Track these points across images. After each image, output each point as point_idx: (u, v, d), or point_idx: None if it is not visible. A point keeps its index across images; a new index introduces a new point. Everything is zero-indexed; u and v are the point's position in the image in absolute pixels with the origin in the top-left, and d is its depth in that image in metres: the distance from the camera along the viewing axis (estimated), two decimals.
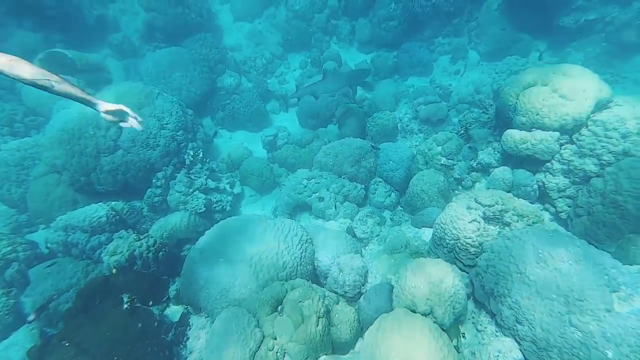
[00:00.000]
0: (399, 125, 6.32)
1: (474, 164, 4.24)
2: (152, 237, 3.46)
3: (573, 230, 3.27)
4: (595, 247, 2.97)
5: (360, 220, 4.24)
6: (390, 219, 4.71)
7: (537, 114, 3.26)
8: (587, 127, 3.15)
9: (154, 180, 4.93)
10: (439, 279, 2.53)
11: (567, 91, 3.09)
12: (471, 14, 8.15)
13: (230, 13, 9.33)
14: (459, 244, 2.96)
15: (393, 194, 5.04)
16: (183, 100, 6.78)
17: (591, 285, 2.19)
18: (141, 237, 3.38)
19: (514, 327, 2.37)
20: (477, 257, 2.89)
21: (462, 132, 4.57)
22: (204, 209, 4.91)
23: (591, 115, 3.15)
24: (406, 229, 4.04)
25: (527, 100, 3.28)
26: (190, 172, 5.18)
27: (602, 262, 2.29)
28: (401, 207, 4.91)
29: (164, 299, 3.25)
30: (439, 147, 4.58)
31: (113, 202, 4.56)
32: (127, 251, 3.19)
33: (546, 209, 3.62)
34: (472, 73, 6.77)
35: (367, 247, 4.08)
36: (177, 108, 5.50)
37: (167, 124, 5.23)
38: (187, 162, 5.13)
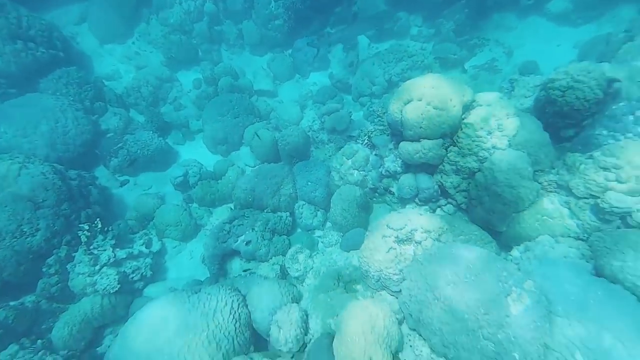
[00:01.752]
0: (309, 134, 6.25)
1: (383, 171, 4.41)
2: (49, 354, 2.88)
3: (473, 218, 3.69)
4: (492, 230, 3.41)
5: (292, 258, 4.19)
6: (321, 241, 4.76)
7: (420, 127, 3.46)
8: (461, 129, 3.45)
9: (44, 269, 4.18)
10: (370, 326, 2.61)
11: (438, 102, 3.32)
12: (351, 1, 8.23)
13: (92, 35, 7.98)
14: (383, 275, 3.09)
15: (319, 212, 5.07)
16: (61, 159, 5.71)
17: (491, 297, 2.47)
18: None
19: (443, 351, 2.59)
20: (401, 283, 3.05)
21: (366, 141, 4.68)
22: (119, 285, 4.36)
23: (462, 118, 3.45)
24: (336, 256, 4.11)
25: (410, 115, 3.45)
26: (91, 247, 4.51)
27: (495, 268, 2.58)
28: (330, 222, 4.95)
29: None
30: (349, 161, 4.66)
31: None
32: None
33: (450, 203, 3.97)
34: (364, 65, 6.93)
35: (304, 284, 4.07)
36: (52, 178, 4.64)
37: (43, 201, 4.41)
38: (84, 239, 4.43)
